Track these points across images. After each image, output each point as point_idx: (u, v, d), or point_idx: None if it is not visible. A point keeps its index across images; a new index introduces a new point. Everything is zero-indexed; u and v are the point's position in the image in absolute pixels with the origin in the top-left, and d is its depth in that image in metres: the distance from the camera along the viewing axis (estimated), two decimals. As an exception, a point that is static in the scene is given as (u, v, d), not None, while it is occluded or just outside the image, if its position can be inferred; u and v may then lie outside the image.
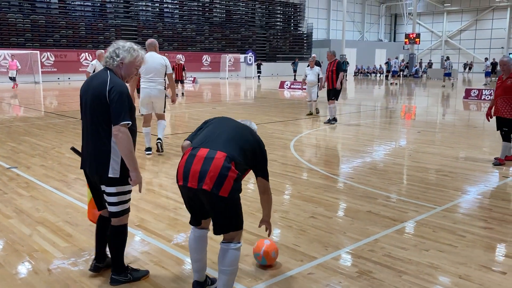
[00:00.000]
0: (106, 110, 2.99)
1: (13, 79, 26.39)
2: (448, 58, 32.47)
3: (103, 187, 3.14)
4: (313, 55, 23.23)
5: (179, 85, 19.38)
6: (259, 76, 39.29)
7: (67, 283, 3.29)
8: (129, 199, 3.26)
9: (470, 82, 34.05)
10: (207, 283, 3.16)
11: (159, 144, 7.71)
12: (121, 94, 3.00)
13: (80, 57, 34.35)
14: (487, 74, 30.09)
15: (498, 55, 52.83)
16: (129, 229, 4.28)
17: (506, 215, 4.75)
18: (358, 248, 3.89)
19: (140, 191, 3.21)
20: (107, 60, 3.16)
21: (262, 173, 3.10)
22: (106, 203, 3.19)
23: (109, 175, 3.06)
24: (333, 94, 11.69)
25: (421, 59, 51.70)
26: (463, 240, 4.05)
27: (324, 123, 11.93)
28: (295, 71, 37.60)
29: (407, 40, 44.87)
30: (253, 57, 43.98)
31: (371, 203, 5.11)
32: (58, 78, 33.59)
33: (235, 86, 30.09)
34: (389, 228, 4.34)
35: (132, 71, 3.23)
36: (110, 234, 3.23)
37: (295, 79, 34.84)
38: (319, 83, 13.07)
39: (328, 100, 11.88)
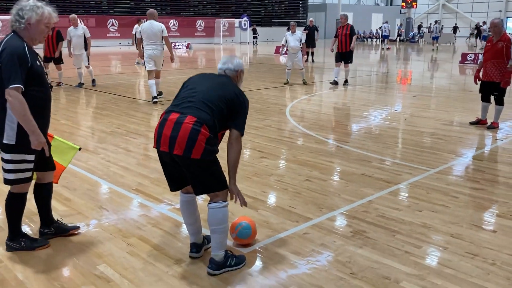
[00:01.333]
0: None
1: None
2: (436, 22, 31.99)
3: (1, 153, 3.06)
4: (310, 19, 22.92)
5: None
6: (256, 42, 38.75)
7: (67, 245, 3.35)
8: (29, 169, 3.11)
9: (464, 47, 33.76)
10: (204, 244, 3.23)
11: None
12: (12, 56, 2.84)
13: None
14: (484, 38, 29.77)
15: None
16: (127, 193, 4.35)
17: (498, 177, 4.84)
18: (352, 209, 3.97)
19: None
20: (12, 24, 2.98)
21: (235, 124, 2.91)
22: (2, 169, 3.09)
23: (4, 141, 2.98)
24: (348, 57, 12.16)
25: (421, 22, 50.98)
26: (456, 201, 4.14)
27: (330, 83, 12.47)
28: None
29: (404, 3, 44.20)
30: (248, 22, 43.25)
31: (366, 166, 5.17)
32: (50, 45, 33.04)
33: (230, 51, 29.73)
34: (383, 190, 4.41)
35: (43, 30, 3.02)
36: (7, 200, 3.19)
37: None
38: (302, 48, 12.37)
39: (344, 63, 12.23)
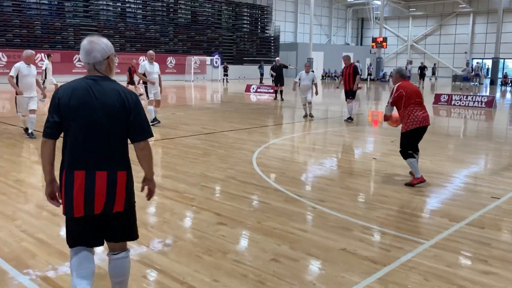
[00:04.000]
0: None
1: None
2: (410, 62, 32.37)
3: None
4: (277, 58, 22.49)
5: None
6: (226, 79, 38.28)
7: None
8: None
9: (435, 87, 34.07)
10: None
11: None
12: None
13: (35, 58, 32.40)
14: (465, 79, 29.94)
15: (462, 60, 53.73)
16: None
17: (509, 253, 3.94)
18: (332, 309, 2.97)
19: None
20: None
21: (140, 135, 2.63)
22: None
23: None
24: (351, 94, 12.65)
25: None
26: (463, 292, 3.20)
27: (345, 120, 12.69)
28: (262, 74, 36.65)
29: (374, 44, 44.89)
30: (220, 59, 42.94)
31: (346, 237, 4.21)
32: (11, 80, 31.56)
33: (201, 89, 29.01)
34: (370, 276, 3.44)
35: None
36: None
37: (261, 82, 33.99)
38: (315, 88, 13.63)
39: (346, 99, 12.75)
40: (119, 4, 38.69)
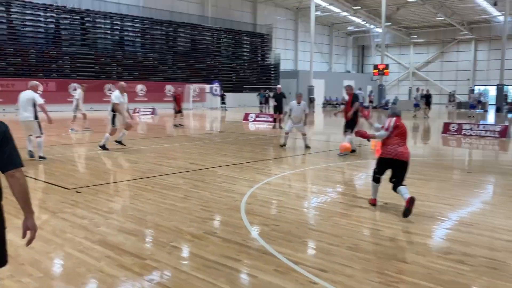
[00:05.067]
0: None
1: None
2: (417, 90, 31.47)
3: None
4: (278, 86, 21.57)
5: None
6: (225, 107, 37.37)
7: None
8: None
9: (451, 115, 33.00)
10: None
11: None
12: None
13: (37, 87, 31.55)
14: (472, 107, 28.87)
15: (465, 87, 52.95)
16: None
17: None
18: None
19: None
20: None
21: (10, 165, 2.58)
22: None
23: None
24: (350, 126, 11.70)
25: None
26: None
27: (338, 155, 11.37)
28: (261, 102, 35.70)
29: (376, 71, 44.11)
30: (219, 87, 42.18)
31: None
32: (4, 110, 30.66)
33: (198, 118, 27.97)
34: None
35: None
36: None
37: (261, 111, 33.02)
38: (304, 118, 12.66)
39: (344, 131, 11.96)
40: (117, 32, 38.18)
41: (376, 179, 6.39)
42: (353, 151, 11.67)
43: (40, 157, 10.09)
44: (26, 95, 10.01)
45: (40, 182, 8.01)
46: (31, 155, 10.20)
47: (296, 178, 8.67)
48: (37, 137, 10.14)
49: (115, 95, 11.72)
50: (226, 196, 6.97)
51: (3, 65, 30.98)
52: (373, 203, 6.47)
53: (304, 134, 12.87)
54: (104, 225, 5.45)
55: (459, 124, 17.14)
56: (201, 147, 13.12)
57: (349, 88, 12.09)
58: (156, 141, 14.58)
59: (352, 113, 11.57)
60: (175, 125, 19.53)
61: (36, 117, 9.96)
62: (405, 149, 6.17)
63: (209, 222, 5.60)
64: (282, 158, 11.16)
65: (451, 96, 45.68)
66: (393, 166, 6.17)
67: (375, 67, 44.77)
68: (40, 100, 9.98)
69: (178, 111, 20.07)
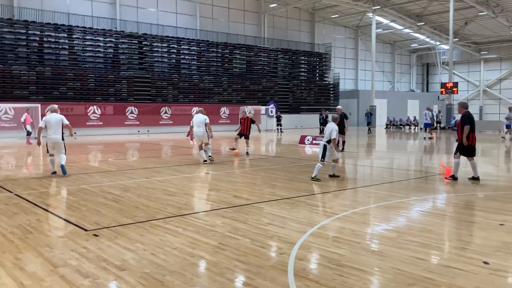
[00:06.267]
0: None
1: (29, 133, 24.34)
2: (510, 108, 27.80)
3: None
4: (338, 107, 19.94)
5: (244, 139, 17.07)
6: (280, 129, 36.03)
7: None
8: None
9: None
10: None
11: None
12: None
13: (88, 110, 32.06)
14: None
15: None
16: None
17: None
18: None
19: None
20: None
21: None
22: None
23: None
24: (470, 149, 10.40)
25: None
26: None
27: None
28: (322, 124, 32.51)
29: (443, 89, 41.18)
30: (275, 108, 41.05)
31: None
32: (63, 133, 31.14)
33: (251, 141, 26.74)
34: None
35: None
36: None
37: (321, 132, 31.19)
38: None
39: (455, 153, 10.67)
40: (173, 55, 38.29)
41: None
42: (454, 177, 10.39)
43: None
44: (56, 117, 11.16)
45: (60, 220, 6.95)
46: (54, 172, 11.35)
47: (361, 220, 7.01)
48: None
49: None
50: (271, 246, 5.50)
51: (63, 90, 31.66)
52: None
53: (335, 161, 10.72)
54: (106, 290, 4.15)
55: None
56: (249, 175, 11.76)
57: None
58: (203, 167, 13.42)
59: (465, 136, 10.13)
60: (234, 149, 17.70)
61: (62, 138, 11.33)
62: None
63: (243, 291, 4.15)
64: (342, 192, 9.52)
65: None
66: None
67: (443, 85, 41.87)
68: (67, 121, 11.37)
69: (243, 134, 17.05)
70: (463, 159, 10.57)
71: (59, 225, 6.61)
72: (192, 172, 12.44)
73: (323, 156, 10.34)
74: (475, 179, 10.25)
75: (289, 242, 5.63)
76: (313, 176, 10.45)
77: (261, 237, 5.87)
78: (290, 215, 7.09)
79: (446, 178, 10.57)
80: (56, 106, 11.79)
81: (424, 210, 7.77)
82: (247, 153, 16.68)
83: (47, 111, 11.57)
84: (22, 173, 12.20)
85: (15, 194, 8.97)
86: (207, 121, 13.64)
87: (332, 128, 10.27)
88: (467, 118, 10.08)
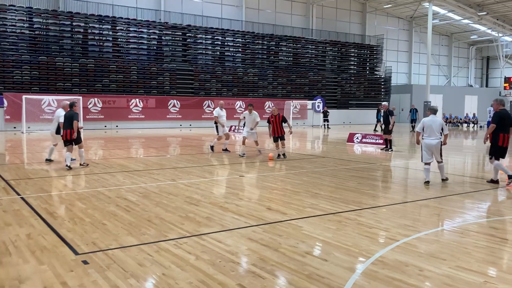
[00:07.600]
0: None
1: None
2: None
3: None
4: (384, 103, 18.04)
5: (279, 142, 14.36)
6: (327, 125, 34.15)
7: None
8: None
9: None
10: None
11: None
12: None
13: (130, 103, 31.55)
14: None
15: None
16: None
17: None
18: None
19: None
20: None
21: None
22: None
23: None
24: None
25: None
26: None
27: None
28: (378, 120, 28.89)
29: (507, 84, 37.77)
30: (322, 103, 39.16)
31: None
32: (105, 126, 30.85)
33: (297, 137, 25.17)
34: None
35: None
36: None
37: (375, 129, 29.08)
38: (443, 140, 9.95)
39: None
40: (217, 48, 37.19)
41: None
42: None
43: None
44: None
45: (54, 237, 5.75)
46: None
47: (432, 249, 5.33)
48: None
49: (216, 110, 15.21)
50: (307, 292, 4.00)
51: (106, 82, 31.28)
52: None
53: (439, 162, 9.96)
54: None
55: None
56: (288, 180, 10.23)
57: (497, 103, 9.62)
58: (237, 168, 12.04)
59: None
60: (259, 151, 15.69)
61: (57, 132, 12.12)
62: None
63: None
64: (400, 205, 7.82)
65: None
66: None
67: (506, 80, 38.41)
68: (61, 121, 11.58)
69: (278, 137, 14.30)
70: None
71: (48, 245, 5.39)
72: (223, 174, 11.09)
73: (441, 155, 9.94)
74: (494, 182, 9.64)
75: (335, 283, 4.11)
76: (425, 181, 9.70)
77: (296, 275, 4.38)
78: (335, 240, 5.54)
79: (507, 184, 9.46)
80: (66, 102, 11.93)
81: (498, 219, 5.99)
82: (283, 154, 14.34)
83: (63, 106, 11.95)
84: (44, 170, 11.30)
85: (21, 198, 7.94)
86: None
87: (440, 122, 9.70)
88: (497, 116, 9.35)
